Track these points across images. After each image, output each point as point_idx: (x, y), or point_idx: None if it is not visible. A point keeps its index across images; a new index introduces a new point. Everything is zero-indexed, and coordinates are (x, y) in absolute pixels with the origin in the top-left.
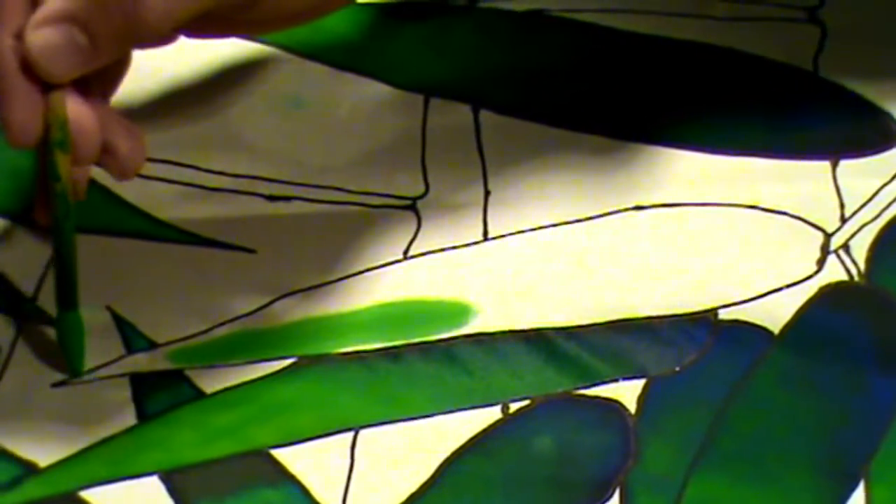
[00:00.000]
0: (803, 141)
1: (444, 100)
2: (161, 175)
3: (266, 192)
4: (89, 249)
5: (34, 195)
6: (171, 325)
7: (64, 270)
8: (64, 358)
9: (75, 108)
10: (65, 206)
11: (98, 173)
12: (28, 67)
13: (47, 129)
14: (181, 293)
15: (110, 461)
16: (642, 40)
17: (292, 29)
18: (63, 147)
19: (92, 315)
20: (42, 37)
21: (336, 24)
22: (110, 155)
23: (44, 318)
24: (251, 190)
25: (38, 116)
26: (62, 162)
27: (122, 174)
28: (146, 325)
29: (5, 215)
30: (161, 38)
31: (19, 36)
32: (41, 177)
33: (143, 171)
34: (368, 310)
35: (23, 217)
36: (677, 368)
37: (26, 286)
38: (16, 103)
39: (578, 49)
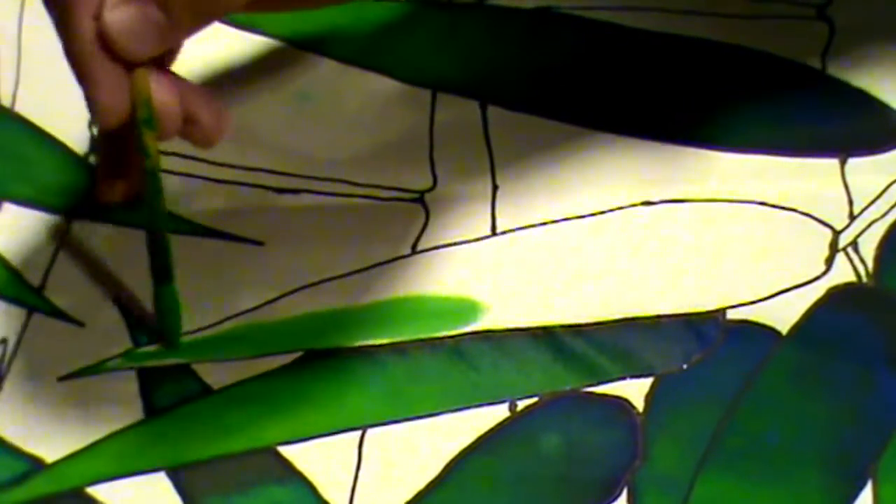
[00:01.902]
0: (812, 138)
1: (451, 95)
2: (169, 167)
3: (274, 184)
4: (99, 238)
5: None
6: None
7: (158, 246)
8: (162, 332)
9: (156, 84)
10: (155, 183)
11: None
12: (108, 48)
13: (133, 107)
14: (188, 285)
15: (117, 457)
16: (650, 37)
17: (301, 26)
18: (149, 124)
19: (98, 308)
20: (118, 16)
21: (344, 19)
22: (193, 125)
23: (51, 308)
24: (259, 182)
25: (125, 96)
26: (150, 139)
27: (207, 143)
28: (154, 319)
29: (12, 200)
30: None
31: (97, 17)
32: (104, 156)
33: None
34: (377, 305)
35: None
36: (685, 366)
37: (33, 276)
38: (101, 85)
39: (586, 46)
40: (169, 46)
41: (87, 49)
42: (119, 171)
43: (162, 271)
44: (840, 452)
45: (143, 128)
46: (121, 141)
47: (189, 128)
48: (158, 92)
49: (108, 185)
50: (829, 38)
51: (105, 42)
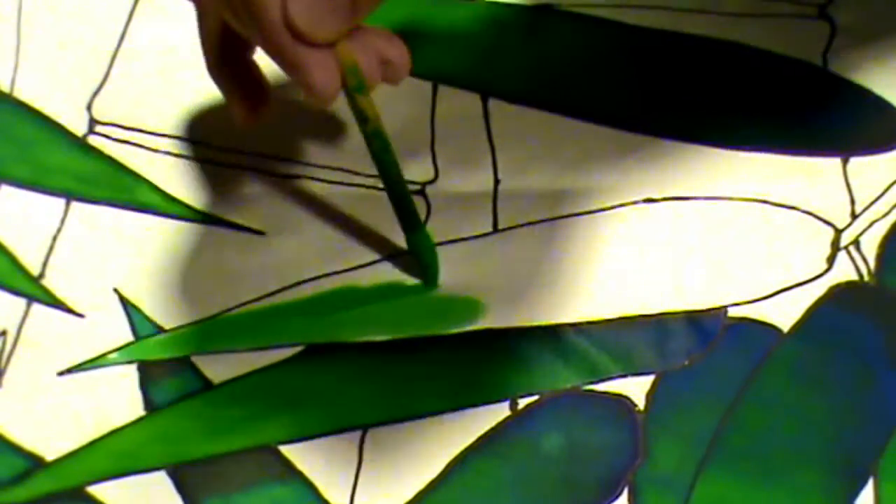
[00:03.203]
0: (813, 137)
1: (453, 88)
2: (171, 150)
3: (275, 170)
4: (98, 222)
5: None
6: (178, 309)
7: (400, 199)
8: (422, 273)
9: (357, 49)
10: (381, 142)
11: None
12: (298, 36)
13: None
14: (189, 275)
15: (117, 455)
16: (652, 35)
17: None
18: (361, 90)
19: (98, 299)
20: (300, 6)
21: None
22: (387, 67)
23: (50, 299)
24: (260, 167)
25: (335, 71)
26: (365, 103)
27: (399, 79)
28: (153, 309)
29: (10, 183)
30: None
31: (283, 9)
32: (227, 88)
33: (153, 146)
34: (378, 302)
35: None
36: (686, 364)
37: (31, 263)
38: (311, 68)
39: (588, 43)
40: (352, 24)
41: (286, 41)
42: (245, 95)
43: (410, 220)
44: (841, 450)
45: (355, 96)
46: (227, 70)
47: (384, 71)
48: (360, 56)
49: (243, 109)
50: (830, 37)
51: (294, 32)
